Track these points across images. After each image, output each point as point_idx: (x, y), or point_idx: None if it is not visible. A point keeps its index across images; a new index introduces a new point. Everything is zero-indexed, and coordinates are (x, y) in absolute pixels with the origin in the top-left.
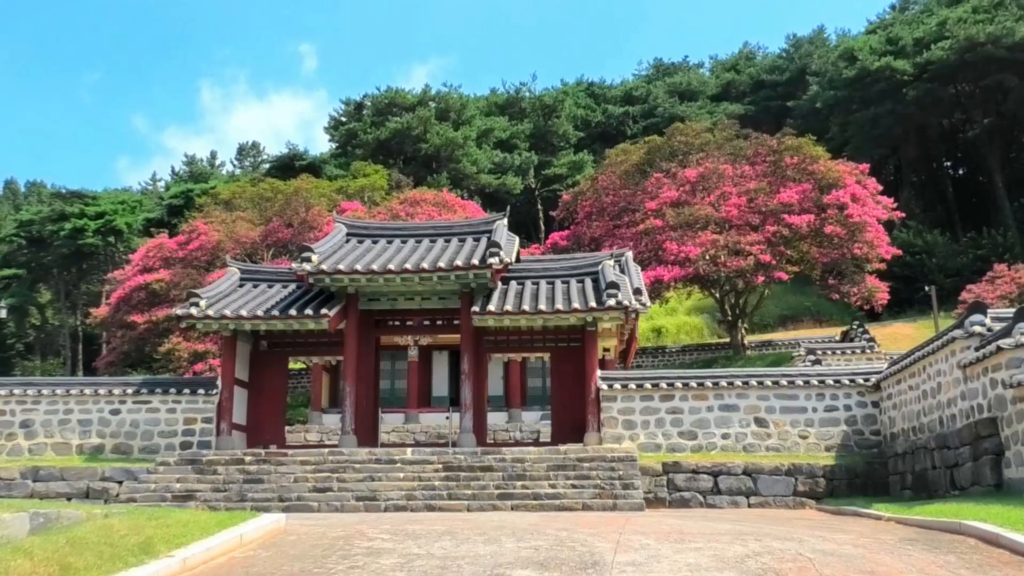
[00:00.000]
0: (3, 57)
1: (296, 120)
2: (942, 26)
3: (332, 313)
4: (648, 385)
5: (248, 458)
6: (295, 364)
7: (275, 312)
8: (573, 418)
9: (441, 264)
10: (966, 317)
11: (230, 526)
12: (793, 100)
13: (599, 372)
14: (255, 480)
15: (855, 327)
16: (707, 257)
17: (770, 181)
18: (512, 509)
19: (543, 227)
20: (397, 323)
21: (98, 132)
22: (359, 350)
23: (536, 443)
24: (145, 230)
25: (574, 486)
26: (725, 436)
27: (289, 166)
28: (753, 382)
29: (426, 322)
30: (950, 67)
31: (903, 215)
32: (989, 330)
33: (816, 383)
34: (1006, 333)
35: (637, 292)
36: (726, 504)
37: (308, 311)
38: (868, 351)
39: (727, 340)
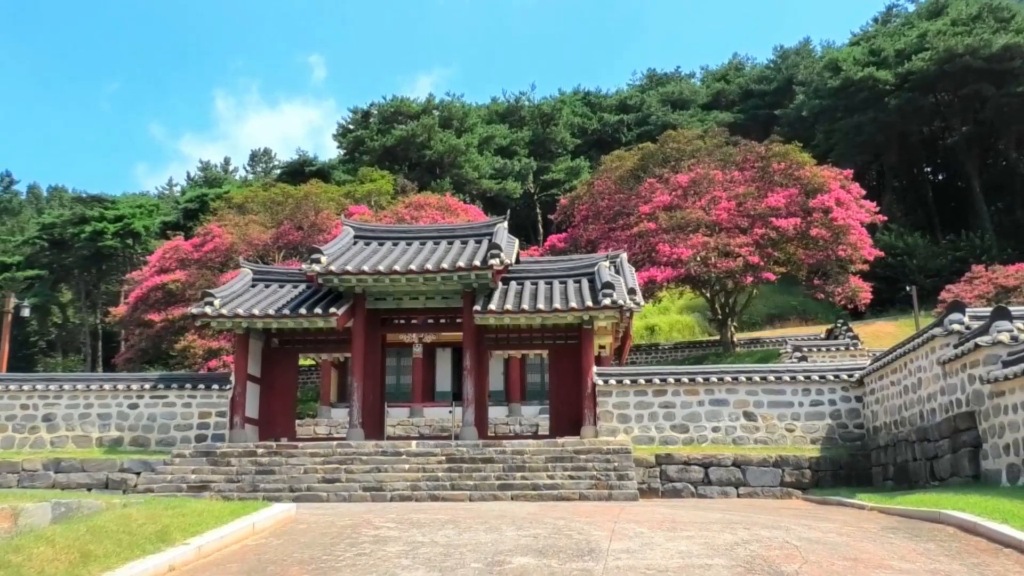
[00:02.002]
0: (27, 67)
1: (306, 128)
2: (922, 38)
3: (340, 312)
4: (642, 381)
5: (260, 450)
6: (305, 360)
7: (286, 311)
8: (570, 412)
9: (444, 265)
10: (945, 316)
11: (243, 515)
12: (780, 108)
13: (595, 368)
14: (267, 471)
15: (839, 325)
16: (698, 258)
17: (758, 186)
18: (512, 499)
19: (541, 230)
20: (402, 321)
21: (117, 139)
22: (366, 347)
23: (535, 436)
24: (162, 233)
25: (571, 477)
26: (715, 429)
27: (299, 172)
28: (742, 378)
29: (430, 320)
30: (930, 77)
31: (885, 218)
32: (967, 328)
33: (802, 379)
34: (984, 331)
35: (631, 292)
36: (716, 494)
37: (317, 310)
38: (852, 348)
39: (717, 338)
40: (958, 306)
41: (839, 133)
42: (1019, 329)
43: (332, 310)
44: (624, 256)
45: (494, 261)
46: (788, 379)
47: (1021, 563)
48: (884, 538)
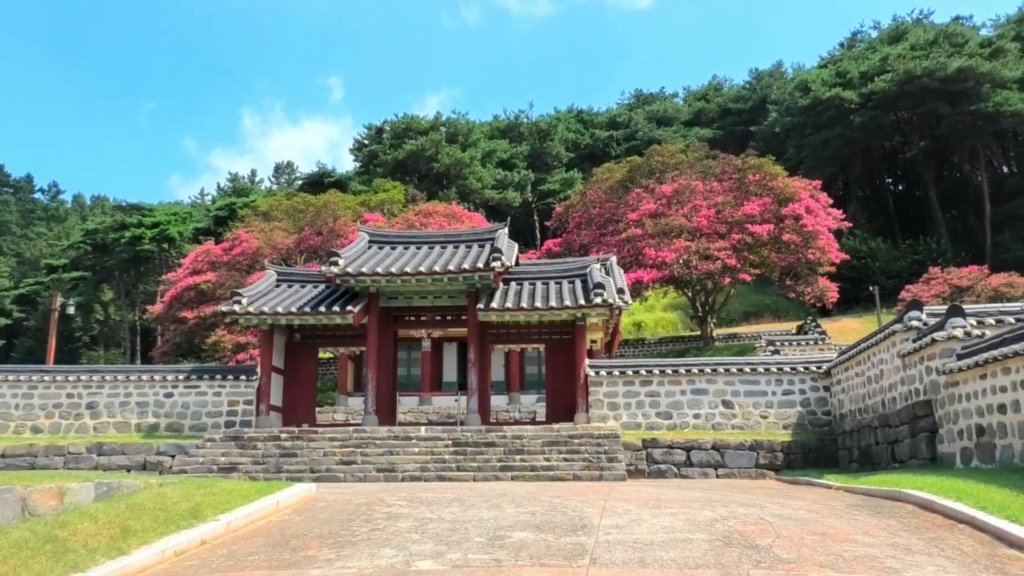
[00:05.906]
0: (73, 87)
1: (325, 143)
2: (884, 61)
3: (356, 310)
4: (630, 372)
5: (284, 435)
6: (324, 354)
7: (307, 309)
8: (565, 401)
9: (451, 267)
10: (905, 313)
11: (268, 494)
12: (755, 125)
13: (587, 361)
14: (289, 454)
15: (809, 322)
16: (681, 261)
17: (735, 195)
18: (512, 479)
19: (539, 235)
20: (412, 318)
21: (154, 152)
22: (380, 341)
23: (533, 422)
24: (194, 238)
25: (566, 459)
26: (696, 416)
27: (319, 182)
28: (721, 369)
29: (437, 317)
30: (891, 97)
31: (850, 225)
32: (925, 324)
33: (775, 370)
34: (939, 327)
35: (620, 291)
36: (697, 475)
37: (336, 308)
38: (820, 343)
39: (698, 333)
40: (916, 304)
41: (808, 147)
42: (972, 325)
43: (349, 308)
44: (614, 259)
45: (496, 263)
46: (762, 371)
47: (974, 537)
48: (850, 515)
